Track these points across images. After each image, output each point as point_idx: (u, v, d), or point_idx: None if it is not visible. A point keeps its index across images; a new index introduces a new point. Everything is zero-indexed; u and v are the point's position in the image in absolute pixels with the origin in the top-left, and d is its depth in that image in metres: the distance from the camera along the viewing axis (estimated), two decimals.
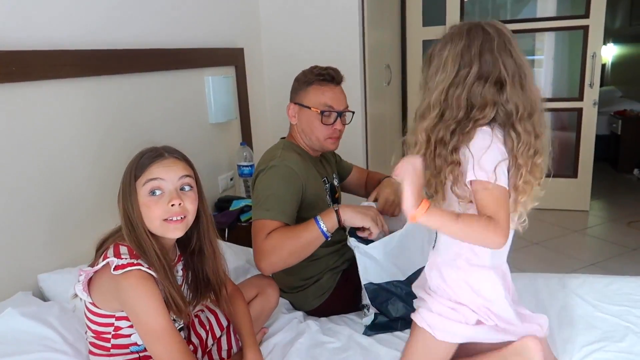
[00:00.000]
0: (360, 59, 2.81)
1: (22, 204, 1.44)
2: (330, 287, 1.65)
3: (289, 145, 1.63)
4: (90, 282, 1.11)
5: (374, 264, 1.48)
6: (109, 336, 1.12)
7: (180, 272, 1.24)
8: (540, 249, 3.20)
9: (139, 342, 1.13)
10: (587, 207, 3.76)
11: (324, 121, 1.60)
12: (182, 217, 1.12)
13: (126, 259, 1.05)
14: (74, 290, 1.12)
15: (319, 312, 1.65)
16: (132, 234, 1.09)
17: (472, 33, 1.08)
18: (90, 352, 1.16)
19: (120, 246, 1.09)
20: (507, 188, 1.04)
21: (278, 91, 2.87)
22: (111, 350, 1.13)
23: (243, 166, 2.49)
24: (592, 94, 3.58)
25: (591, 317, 1.51)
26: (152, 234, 1.11)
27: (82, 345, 1.27)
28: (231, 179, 2.56)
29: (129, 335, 1.12)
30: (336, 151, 1.78)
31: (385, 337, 1.45)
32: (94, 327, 1.12)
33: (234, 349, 1.36)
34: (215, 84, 2.35)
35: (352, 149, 2.65)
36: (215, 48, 2.39)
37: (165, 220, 1.10)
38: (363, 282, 1.51)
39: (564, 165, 3.87)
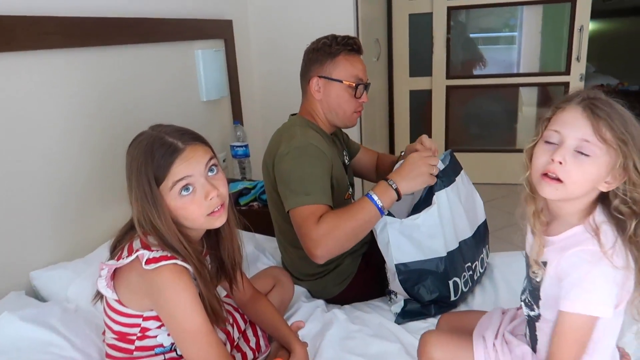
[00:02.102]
0: (355, 33, 2.67)
1: (3, 191, 1.26)
2: (352, 273, 1.55)
3: (305, 122, 1.50)
4: (114, 277, 0.96)
5: (409, 242, 1.38)
6: (134, 337, 0.98)
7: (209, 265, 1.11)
8: None
9: (165, 344, 1.00)
10: None
11: (357, 94, 1.47)
12: (222, 204, 1.00)
13: (157, 251, 0.92)
14: (97, 286, 0.97)
15: (340, 299, 1.55)
16: (163, 241, 0.95)
17: None
18: (108, 356, 1.03)
19: (149, 236, 0.95)
20: None
21: (267, 66, 2.72)
22: (134, 352, 1.00)
23: (237, 147, 2.34)
24: (579, 67, 3.57)
25: None
26: (182, 232, 0.98)
27: (93, 349, 1.13)
28: (224, 160, 2.41)
29: (156, 337, 0.99)
30: None
31: (418, 323, 1.37)
32: (117, 327, 0.99)
33: (262, 340, 1.26)
34: (205, 58, 2.18)
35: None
36: (204, 19, 2.21)
37: (209, 214, 0.98)
38: (394, 262, 1.39)
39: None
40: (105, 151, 1.57)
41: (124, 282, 0.95)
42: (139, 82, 1.78)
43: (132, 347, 0.99)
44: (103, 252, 1.15)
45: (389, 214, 1.39)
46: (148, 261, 0.89)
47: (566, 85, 3.65)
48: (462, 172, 1.51)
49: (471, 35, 4.10)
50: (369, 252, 1.57)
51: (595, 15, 3.48)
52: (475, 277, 1.52)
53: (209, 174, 0.99)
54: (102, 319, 1.02)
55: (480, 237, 1.54)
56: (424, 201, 1.40)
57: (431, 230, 1.38)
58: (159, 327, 0.98)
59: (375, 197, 1.29)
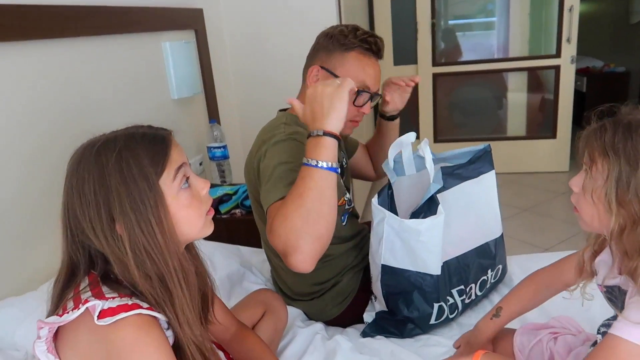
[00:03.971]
0: (337, 19, 2.46)
1: None
2: (353, 290, 1.35)
3: (292, 118, 1.27)
4: (57, 337, 0.74)
5: (403, 246, 1.18)
6: None
7: None
8: (531, 216, 3.05)
9: None
10: (567, 167, 3.64)
11: (356, 102, 1.26)
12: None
13: (114, 298, 0.70)
14: (33, 349, 0.75)
15: (340, 320, 1.36)
16: (151, 268, 0.73)
17: None
18: None
19: (100, 279, 0.74)
20: None
21: (244, 59, 2.49)
22: None
23: (214, 148, 2.12)
24: (570, 49, 3.43)
25: None
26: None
27: None
28: (200, 164, 2.18)
29: None
30: None
31: (440, 351, 1.18)
32: None
33: None
34: (174, 51, 1.95)
35: None
36: (171, 8, 1.98)
37: (207, 214, 0.82)
38: (382, 262, 1.21)
39: (542, 126, 3.75)
40: (60, 161, 1.33)
41: (70, 344, 0.73)
42: (98, 79, 1.55)
43: None
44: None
45: (392, 209, 1.20)
46: (102, 314, 0.67)
47: (557, 68, 3.50)
48: (491, 172, 1.31)
49: (457, 21, 3.94)
50: (369, 267, 1.37)
51: None
52: (467, 301, 1.33)
53: None
54: None
55: (488, 256, 1.34)
56: (427, 205, 1.19)
57: (431, 242, 1.17)
58: None
59: (307, 159, 0.97)
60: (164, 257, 0.73)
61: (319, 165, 0.96)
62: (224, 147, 2.13)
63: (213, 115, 2.26)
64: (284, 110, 1.37)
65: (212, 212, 0.85)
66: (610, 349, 0.73)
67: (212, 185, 2.03)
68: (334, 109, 0.97)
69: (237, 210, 1.89)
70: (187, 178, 0.79)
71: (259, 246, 1.55)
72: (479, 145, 1.31)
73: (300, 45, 2.27)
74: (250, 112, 2.56)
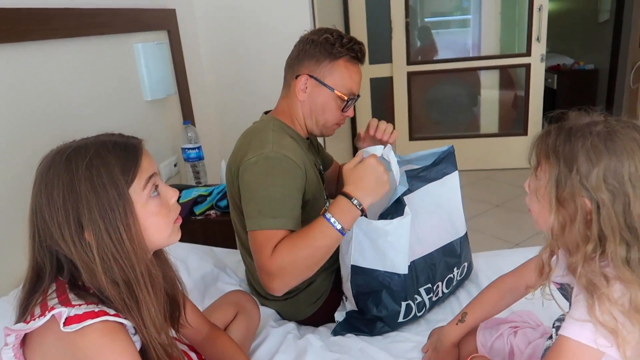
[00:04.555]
0: (311, 20, 2.48)
1: None
2: (326, 291, 1.38)
3: (280, 126, 1.29)
4: (24, 344, 0.75)
5: (372, 247, 1.22)
6: None
7: None
8: (502, 211, 3.13)
9: None
10: None
11: (344, 108, 1.30)
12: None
13: (80, 305, 0.71)
14: (1, 358, 0.75)
15: (313, 320, 1.39)
16: (119, 275, 0.75)
17: None
18: None
19: (67, 286, 0.75)
20: None
21: (218, 60, 2.50)
22: None
23: (189, 149, 2.12)
24: (539, 48, 3.51)
25: None
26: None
27: None
28: (175, 165, 2.18)
29: None
30: None
31: (407, 347, 1.22)
32: None
33: None
34: (147, 53, 1.94)
35: None
36: (143, 9, 1.97)
37: (174, 222, 0.84)
38: (351, 262, 1.25)
39: (514, 123, 3.83)
40: (29, 164, 1.32)
41: (38, 351, 0.74)
42: (70, 82, 1.54)
43: None
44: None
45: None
46: (68, 320, 0.69)
47: (527, 66, 3.59)
48: (455, 173, 1.36)
49: (433, 19, 4.01)
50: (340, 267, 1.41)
51: None
52: (435, 299, 1.37)
53: None
54: None
55: (454, 254, 1.39)
56: (394, 206, 1.23)
57: (399, 242, 1.21)
58: None
59: (334, 220, 1.09)
60: (132, 264, 0.75)
61: (339, 228, 1.10)
62: (199, 148, 2.13)
63: (187, 116, 2.26)
64: (268, 112, 1.38)
65: (180, 221, 0.86)
66: (562, 351, 0.78)
67: (187, 187, 2.04)
68: (376, 194, 1.12)
69: (212, 212, 1.90)
70: (157, 186, 0.81)
71: (234, 246, 1.56)
72: (443, 147, 1.35)
73: (275, 45, 2.30)
74: (226, 113, 2.56)
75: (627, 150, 0.72)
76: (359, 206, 1.10)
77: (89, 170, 0.73)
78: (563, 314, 0.94)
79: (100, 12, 1.70)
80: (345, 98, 1.28)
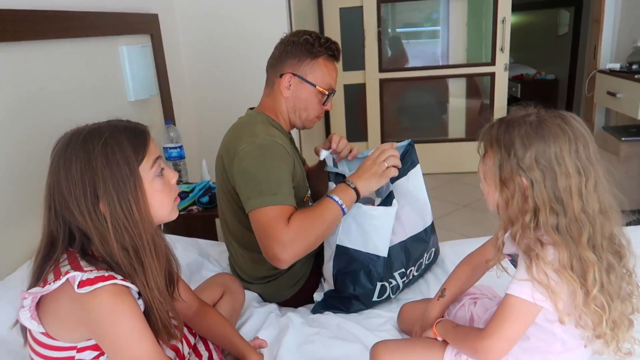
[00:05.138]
0: (288, 26, 2.60)
1: None
2: (304, 275, 1.49)
3: (266, 119, 1.41)
4: (39, 306, 0.84)
5: (358, 229, 1.35)
6: None
7: None
8: (469, 211, 3.30)
9: None
10: None
11: (324, 102, 1.44)
12: None
13: (92, 271, 0.80)
14: (18, 317, 0.84)
15: (293, 302, 1.49)
16: (128, 241, 0.85)
17: None
18: None
19: (78, 254, 0.84)
20: None
21: (198, 63, 2.59)
22: None
23: (170, 148, 2.20)
24: (503, 58, 3.72)
25: None
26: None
27: None
28: None
29: None
30: None
31: (377, 320, 1.33)
32: None
33: (214, 354, 1.17)
34: (131, 55, 2.02)
35: None
36: (128, 13, 2.05)
37: (174, 200, 0.95)
38: (337, 242, 1.37)
39: (480, 128, 4.00)
40: (20, 159, 1.39)
41: (52, 311, 0.83)
42: (56, 82, 1.61)
43: None
44: (25, 273, 1.00)
45: None
46: (81, 284, 0.78)
47: (492, 75, 3.79)
48: (417, 167, 1.50)
49: (404, 29, 4.19)
50: (321, 253, 1.51)
51: (513, 8, 3.65)
52: (407, 281, 1.50)
53: None
54: (28, 354, 0.89)
55: (423, 240, 1.52)
56: (385, 199, 1.40)
57: (383, 227, 1.36)
58: (97, 357, 0.86)
59: (337, 198, 1.26)
60: (139, 232, 0.84)
61: (342, 206, 1.26)
62: (180, 147, 2.21)
63: (169, 116, 2.34)
64: (252, 109, 1.49)
65: (179, 200, 0.98)
66: (505, 307, 0.92)
67: None
68: (369, 182, 1.31)
69: (194, 207, 1.98)
70: (162, 169, 0.91)
71: (215, 239, 1.66)
72: (404, 142, 1.50)
73: (253, 49, 2.41)
74: (205, 113, 2.65)
75: (553, 135, 0.87)
76: (352, 185, 1.28)
77: (105, 149, 0.83)
78: None
79: (87, 15, 1.77)
80: (326, 93, 1.41)
